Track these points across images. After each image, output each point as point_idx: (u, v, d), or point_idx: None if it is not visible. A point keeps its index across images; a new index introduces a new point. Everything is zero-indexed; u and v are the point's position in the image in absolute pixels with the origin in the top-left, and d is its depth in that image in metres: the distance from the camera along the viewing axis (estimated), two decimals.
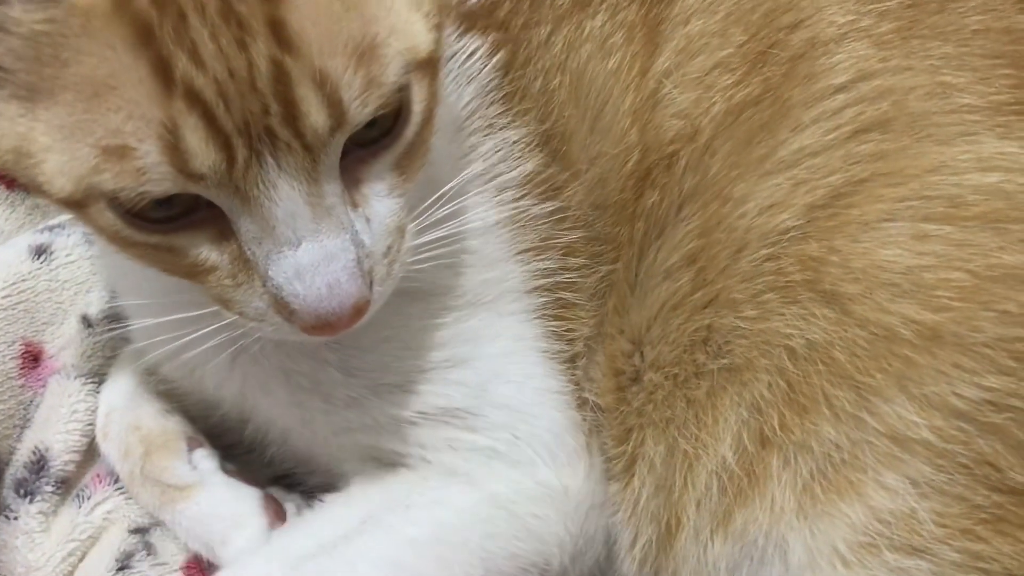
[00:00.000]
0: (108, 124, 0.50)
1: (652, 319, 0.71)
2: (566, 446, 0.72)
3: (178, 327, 0.63)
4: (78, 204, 0.54)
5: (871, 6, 0.69)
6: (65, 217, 0.90)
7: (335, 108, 0.51)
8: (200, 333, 0.62)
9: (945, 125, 0.64)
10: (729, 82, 0.69)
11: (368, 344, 0.70)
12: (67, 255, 0.90)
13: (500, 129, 0.74)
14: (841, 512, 0.61)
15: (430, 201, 0.62)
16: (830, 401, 0.62)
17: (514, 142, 0.73)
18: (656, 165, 0.71)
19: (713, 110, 0.69)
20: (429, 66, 0.57)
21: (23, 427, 0.84)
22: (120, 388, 0.86)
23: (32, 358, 0.86)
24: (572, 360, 0.74)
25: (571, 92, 0.74)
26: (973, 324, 0.59)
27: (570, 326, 0.73)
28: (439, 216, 0.63)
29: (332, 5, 0.51)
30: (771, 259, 0.65)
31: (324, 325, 0.55)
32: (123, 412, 0.84)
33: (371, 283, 0.56)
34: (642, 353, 0.71)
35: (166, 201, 0.53)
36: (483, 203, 0.72)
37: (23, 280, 0.86)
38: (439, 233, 0.62)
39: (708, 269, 0.68)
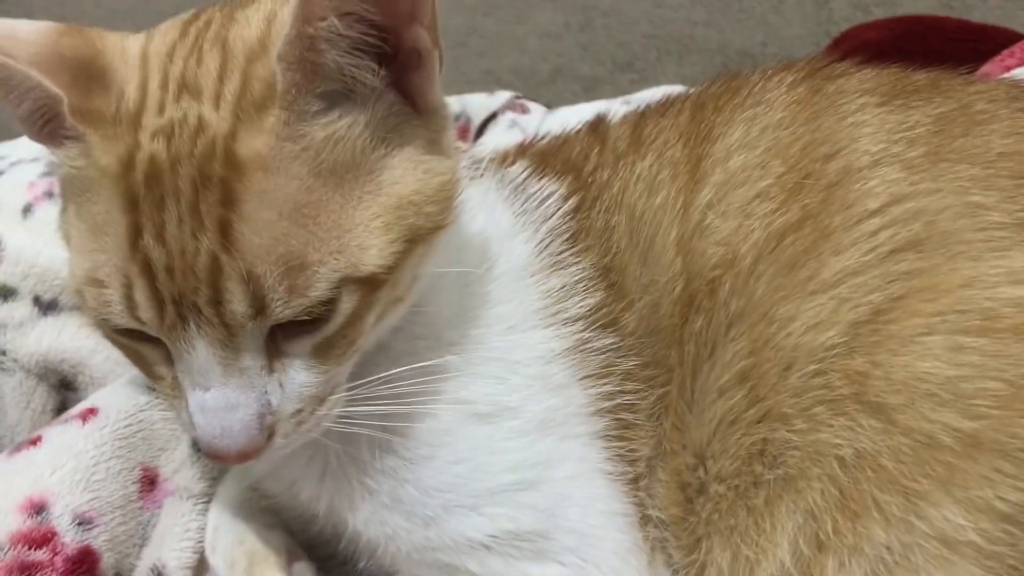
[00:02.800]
0: (96, 259, 0.63)
1: (712, 434, 0.73)
2: (630, 566, 0.75)
3: None
4: (76, 292, 0.66)
5: (901, 134, 0.73)
6: None
7: (258, 302, 0.61)
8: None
9: (975, 242, 0.67)
10: (768, 209, 0.73)
11: (442, 465, 0.74)
12: None
13: (566, 267, 0.78)
14: None
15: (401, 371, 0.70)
16: (880, 506, 0.64)
17: (578, 278, 0.78)
18: (700, 291, 0.74)
19: (753, 236, 0.72)
20: (368, 282, 0.64)
21: (142, 546, 0.88)
22: (226, 506, 0.90)
23: (149, 482, 0.90)
24: (635, 481, 0.76)
25: (627, 228, 0.78)
26: (1011, 431, 0.62)
27: (632, 447, 0.76)
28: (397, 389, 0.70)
29: (278, 223, 0.61)
30: (819, 374, 0.68)
31: (214, 455, 0.66)
32: (229, 528, 0.88)
33: (272, 435, 0.66)
34: (705, 466, 0.74)
35: None
36: (549, 333, 0.77)
37: (141, 410, 0.91)
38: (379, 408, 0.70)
39: (759, 386, 0.70)
